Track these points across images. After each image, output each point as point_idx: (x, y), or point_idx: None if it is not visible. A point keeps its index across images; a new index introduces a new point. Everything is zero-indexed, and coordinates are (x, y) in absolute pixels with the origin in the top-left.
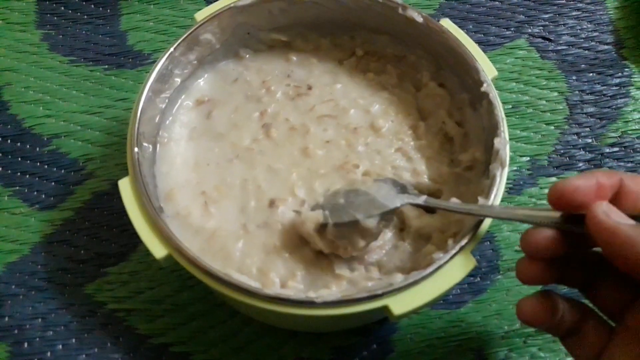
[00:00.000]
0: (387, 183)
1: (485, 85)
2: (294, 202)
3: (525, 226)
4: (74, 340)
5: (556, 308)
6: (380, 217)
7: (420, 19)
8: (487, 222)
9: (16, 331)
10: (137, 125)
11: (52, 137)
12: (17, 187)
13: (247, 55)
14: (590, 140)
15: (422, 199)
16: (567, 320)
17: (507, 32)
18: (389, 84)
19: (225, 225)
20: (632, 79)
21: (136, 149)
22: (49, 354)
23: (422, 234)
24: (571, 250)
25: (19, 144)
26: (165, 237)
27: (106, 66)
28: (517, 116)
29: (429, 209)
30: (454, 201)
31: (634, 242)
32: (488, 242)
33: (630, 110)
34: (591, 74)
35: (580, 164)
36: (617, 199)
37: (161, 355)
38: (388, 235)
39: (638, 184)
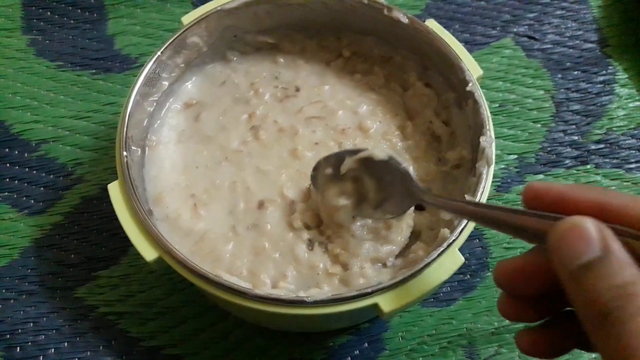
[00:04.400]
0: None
1: (470, 84)
2: (283, 203)
3: None
4: (66, 344)
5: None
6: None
7: (405, 20)
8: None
9: (8, 336)
10: (125, 129)
11: (40, 142)
12: (6, 193)
13: (235, 58)
14: (576, 138)
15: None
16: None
17: (493, 32)
18: (376, 85)
19: (215, 228)
20: (616, 77)
21: (125, 153)
22: (41, 358)
23: (411, 232)
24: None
25: (7, 149)
26: (155, 239)
27: (93, 71)
28: (504, 115)
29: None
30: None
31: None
32: (477, 240)
33: (615, 108)
34: (576, 72)
35: (567, 161)
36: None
37: (153, 358)
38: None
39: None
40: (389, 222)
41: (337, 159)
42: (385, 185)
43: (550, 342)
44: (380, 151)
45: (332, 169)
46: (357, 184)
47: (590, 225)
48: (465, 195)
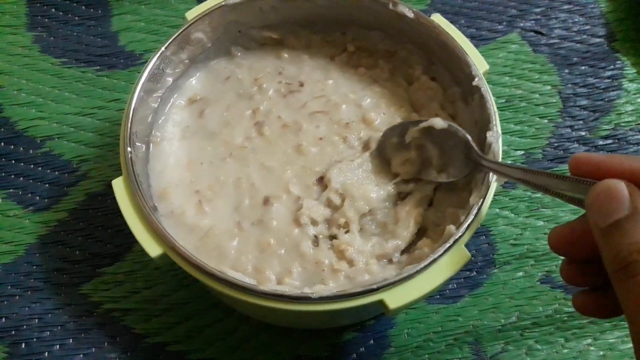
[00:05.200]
0: (465, 150)
1: (476, 79)
2: (289, 199)
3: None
4: (70, 340)
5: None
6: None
7: (410, 15)
8: (480, 216)
9: (13, 332)
10: (129, 124)
11: (45, 139)
12: (11, 190)
13: (239, 53)
14: (583, 133)
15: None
16: None
17: (500, 27)
18: (380, 78)
19: (220, 224)
20: (624, 72)
21: (129, 149)
22: (46, 354)
23: (418, 228)
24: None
25: (12, 146)
26: (160, 235)
27: (98, 67)
28: (511, 110)
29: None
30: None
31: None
32: (484, 237)
33: (623, 103)
34: (583, 67)
35: None
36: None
37: (158, 354)
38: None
39: None
40: (397, 215)
41: (402, 129)
42: (447, 151)
43: (600, 303)
44: (439, 120)
45: (397, 138)
46: (421, 151)
47: (621, 187)
48: (473, 191)
